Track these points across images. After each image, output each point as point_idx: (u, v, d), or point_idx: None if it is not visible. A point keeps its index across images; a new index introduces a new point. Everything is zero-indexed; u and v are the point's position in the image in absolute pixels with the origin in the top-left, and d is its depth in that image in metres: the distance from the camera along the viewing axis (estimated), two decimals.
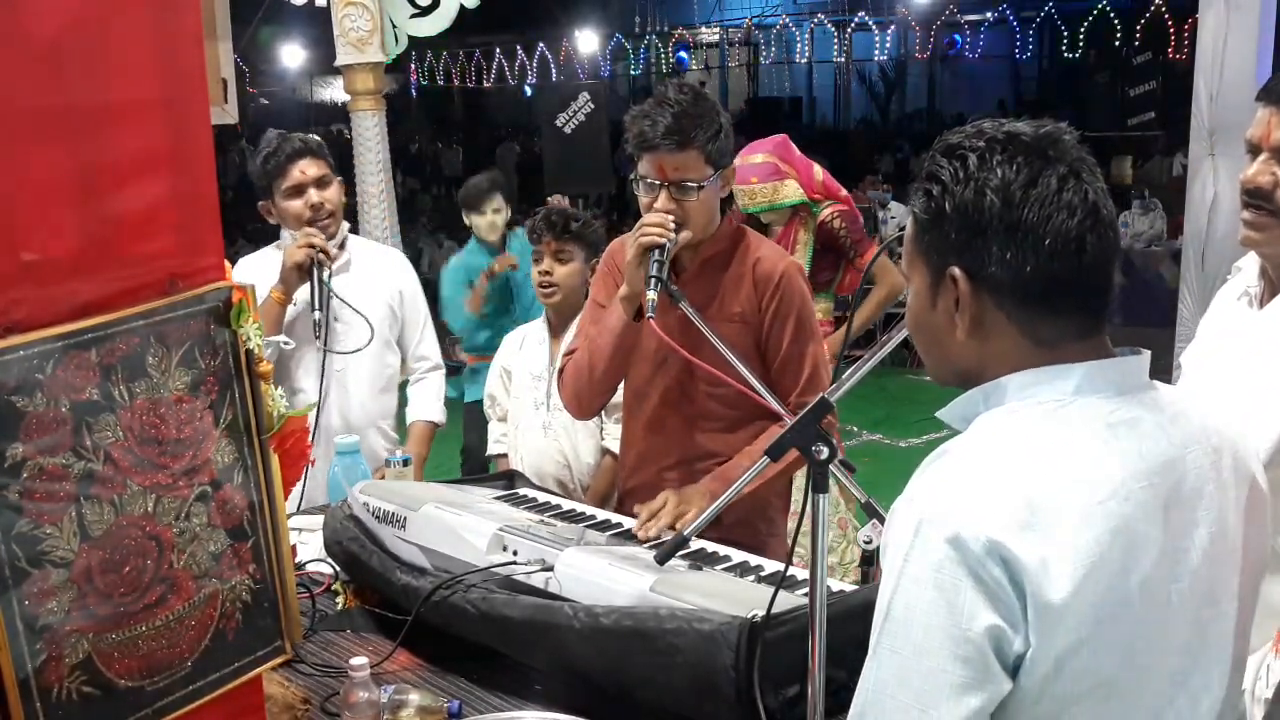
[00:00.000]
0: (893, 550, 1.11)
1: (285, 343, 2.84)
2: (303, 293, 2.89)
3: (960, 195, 1.13)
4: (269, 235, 3.13)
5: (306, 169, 2.92)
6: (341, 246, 3.01)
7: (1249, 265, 1.84)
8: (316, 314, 2.81)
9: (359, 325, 2.95)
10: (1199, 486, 1.15)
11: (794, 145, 4.14)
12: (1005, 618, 1.04)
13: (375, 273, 3.08)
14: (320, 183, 2.94)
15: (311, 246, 2.81)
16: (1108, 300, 1.16)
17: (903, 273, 1.27)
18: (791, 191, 4.01)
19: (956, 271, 1.15)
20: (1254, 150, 1.72)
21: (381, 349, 3.06)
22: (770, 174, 4.02)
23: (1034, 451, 1.09)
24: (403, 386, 3.24)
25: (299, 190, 2.91)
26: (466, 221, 4.81)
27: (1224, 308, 1.89)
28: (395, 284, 3.12)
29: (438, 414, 3.20)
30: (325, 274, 2.87)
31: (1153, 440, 1.13)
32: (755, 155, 4.06)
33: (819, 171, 4.13)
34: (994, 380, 1.17)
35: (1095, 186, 1.13)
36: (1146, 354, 1.19)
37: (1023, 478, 1.07)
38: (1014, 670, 1.06)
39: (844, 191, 4.22)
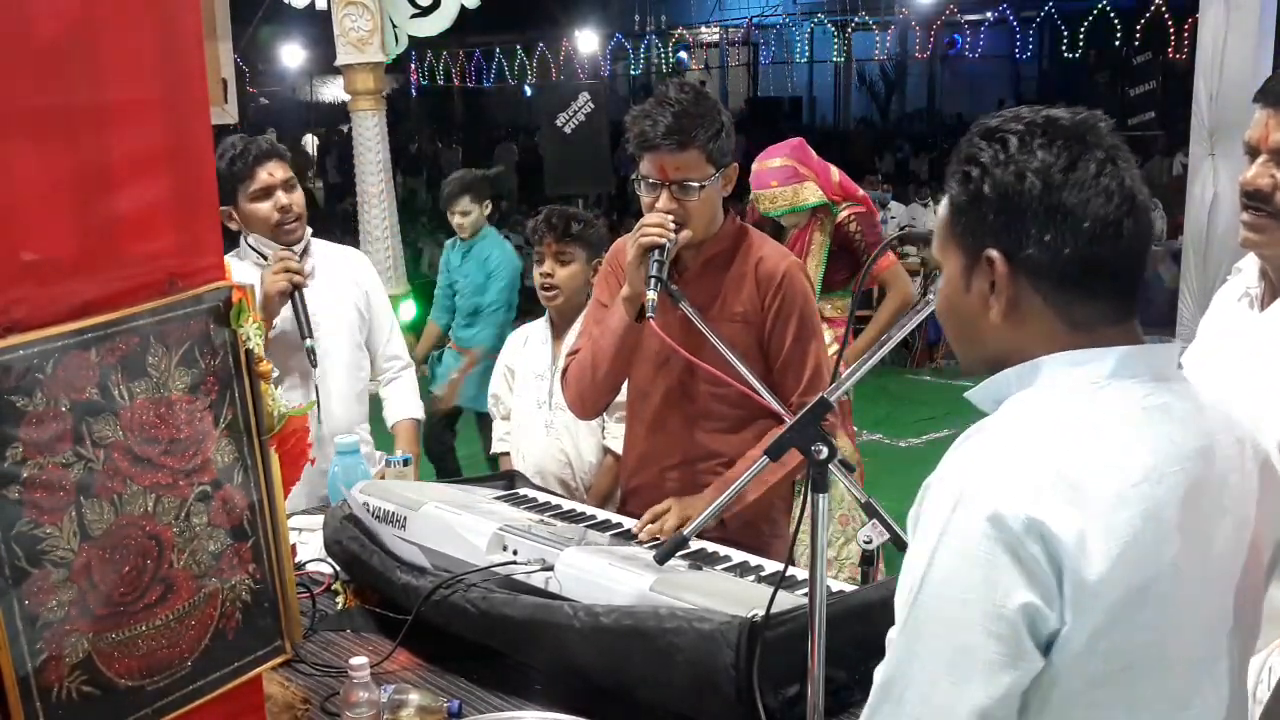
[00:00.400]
0: (926, 525, 1.12)
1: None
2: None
3: (1000, 177, 1.14)
4: None
5: (274, 171, 2.83)
6: (305, 253, 2.94)
7: (1249, 266, 1.84)
8: (309, 341, 2.77)
9: (336, 339, 2.94)
10: (1225, 475, 1.16)
11: (810, 148, 4.16)
12: (1041, 595, 1.05)
13: (340, 276, 3.03)
14: (287, 185, 2.86)
15: (288, 271, 2.74)
16: (1140, 282, 1.18)
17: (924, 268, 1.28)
18: (811, 193, 4.03)
19: (994, 253, 1.16)
20: (1252, 152, 1.72)
21: (355, 354, 3.04)
22: (790, 177, 4.04)
23: (1071, 431, 1.10)
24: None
25: (267, 193, 2.82)
26: None
27: (1224, 308, 1.90)
28: (361, 286, 3.07)
29: (419, 410, 3.20)
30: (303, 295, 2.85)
31: (1184, 427, 1.14)
32: (773, 159, 4.08)
33: (836, 173, 4.16)
34: (1027, 363, 1.17)
35: (1131, 173, 1.15)
36: (1178, 343, 1.21)
37: (1061, 456, 1.08)
38: (1046, 648, 1.08)
39: (861, 192, 4.24)
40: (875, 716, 1.15)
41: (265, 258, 2.84)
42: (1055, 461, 1.07)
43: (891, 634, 1.23)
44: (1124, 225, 1.13)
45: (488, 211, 4.96)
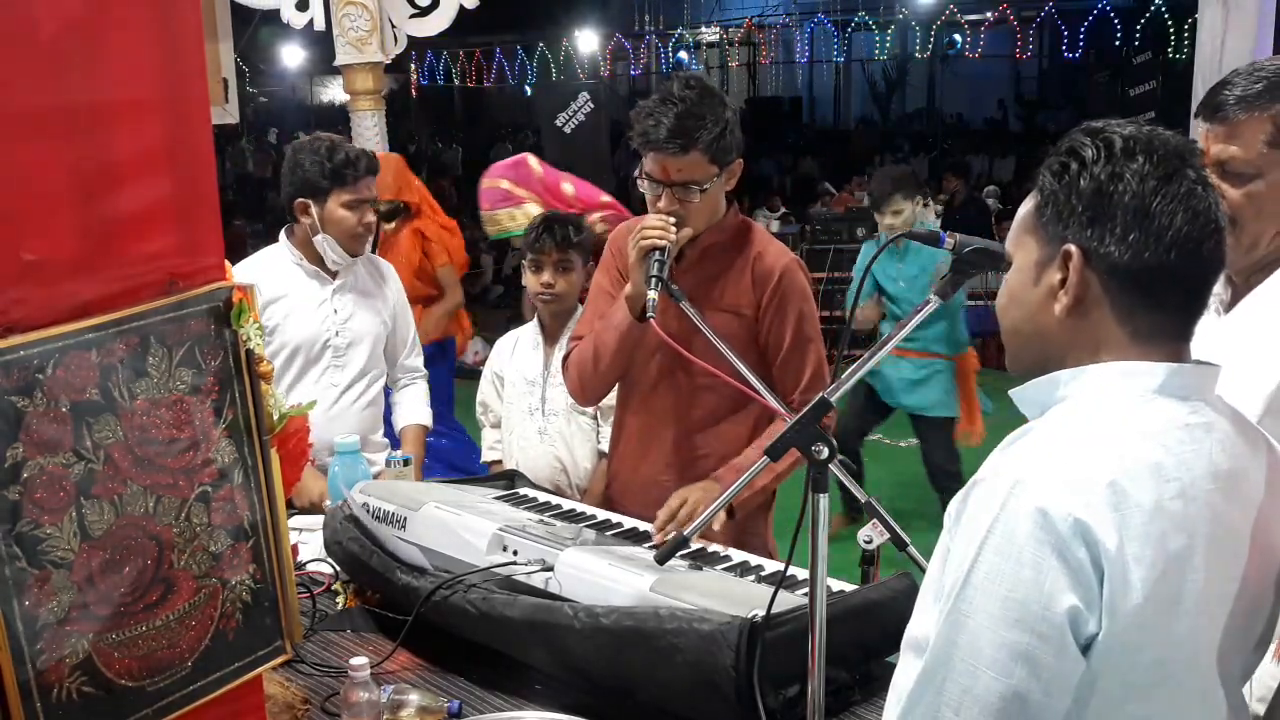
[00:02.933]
0: (974, 519, 1.13)
1: None
2: (305, 322, 2.95)
3: (1097, 172, 1.17)
4: (268, 234, 3.12)
5: (371, 187, 2.94)
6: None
7: None
8: None
9: (362, 344, 3.02)
10: (1255, 497, 1.19)
11: (534, 164, 3.91)
12: (1084, 599, 1.07)
13: (374, 289, 3.11)
14: (373, 205, 2.98)
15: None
16: (1204, 307, 1.20)
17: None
18: (527, 218, 3.72)
19: (1072, 248, 1.18)
20: None
21: (377, 363, 3.11)
22: (500, 200, 3.83)
23: (1118, 438, 1.12)
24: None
25: (359, 205, 2.91)
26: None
27: None
28: (389, 299, 3.15)
29: (428, 417, 3.25)
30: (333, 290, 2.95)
31: (1221, 447, 1.16)
32: (487, 180, 3.88)
33: (569, 186, 3.94)
34: (1078, 368, 1.19)
35: (1216, 200, 1.18)
36: (1220, 366, 1.22)
37: (1108, 462, 1.10)
38: (1084, 650, 1.09)
39: (605, 197, 4.03)
40: (917, 707, 1.16)
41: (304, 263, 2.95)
42: (1102, 466, 1.09)
43: (909, 631, 1.23)
44: (1204, 246, 1.16)
45: (919, 207, 4.93)
